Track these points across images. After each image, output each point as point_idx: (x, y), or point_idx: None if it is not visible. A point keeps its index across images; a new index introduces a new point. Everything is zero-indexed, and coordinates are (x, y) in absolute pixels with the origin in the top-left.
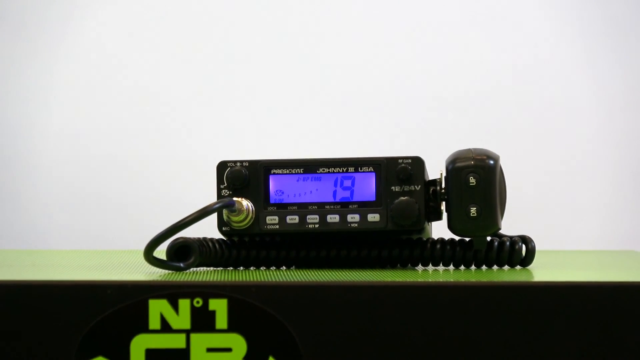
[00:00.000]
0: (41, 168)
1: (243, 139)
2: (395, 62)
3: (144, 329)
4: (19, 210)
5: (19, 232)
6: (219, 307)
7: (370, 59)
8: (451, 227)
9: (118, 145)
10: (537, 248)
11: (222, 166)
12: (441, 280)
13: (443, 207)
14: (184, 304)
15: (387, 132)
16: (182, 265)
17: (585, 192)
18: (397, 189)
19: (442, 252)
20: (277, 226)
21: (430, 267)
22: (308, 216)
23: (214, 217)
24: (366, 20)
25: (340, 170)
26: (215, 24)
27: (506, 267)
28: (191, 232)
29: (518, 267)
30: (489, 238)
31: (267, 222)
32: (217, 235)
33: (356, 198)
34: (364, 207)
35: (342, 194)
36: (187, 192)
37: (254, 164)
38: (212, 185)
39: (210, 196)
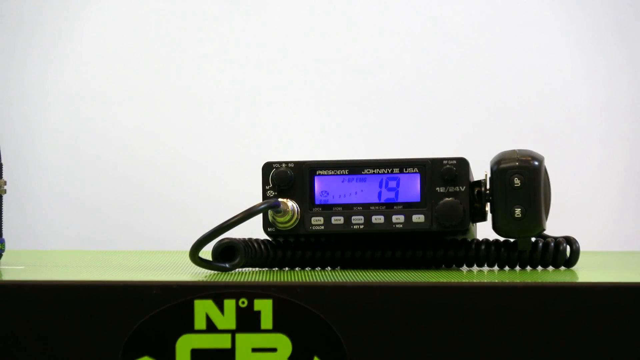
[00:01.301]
0: (41, 169)
1: (256, 141)
2: (432, 65)
3: (190, 329)
4: (17, 210)
5: (18, 232)
6: (264, 307)
7: (407, 62)
8: (496, 228)
9: (118, 146)
10: (598, 249)
11: (267, 167)
12: (486, 280)
13: (488, 208)
14: (230, 304)
15: (426, 133)
16: (227, 265)
17: (591, 194)
18: (441, 190)
19: (486, 253)
20: (322, 227)
21: (475, 268)
22: (353, 217)
23: (259, 217)
24: (404, 23)
25: (385, 172)
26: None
27: (550, 268)
28: (237, 232)
29: (562, 267)
30: (533, 239)
31: (312, 222)
32: (263, 236)
33: (401, 199)
34: (408, 208)
35: (387, 195)
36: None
37: (299, 165)
38: (207, 185)
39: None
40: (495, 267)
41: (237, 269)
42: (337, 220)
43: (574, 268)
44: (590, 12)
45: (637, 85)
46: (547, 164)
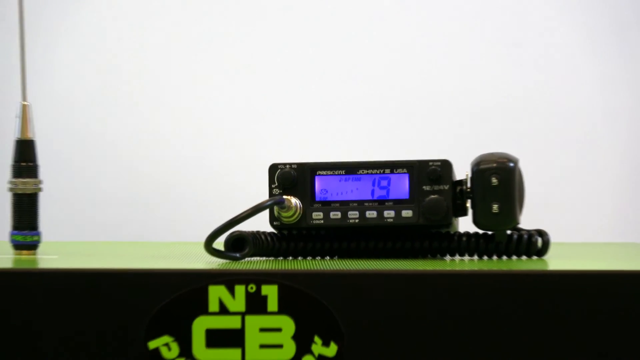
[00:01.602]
0: (65, 169)
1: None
2: (421, 76)
3: (205, 311)
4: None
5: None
6: (271, 292)
7: (398, 75)
8: (476, 222)
9: (139, 148)
10: (552, 241)
11: (273, 168)
12: (466, 269)
13: (468, 204)
14: (240, 289)
15: (415, 137)
16: (238, 255)
17: (592, 188)
18: (427, 188)
19: (467, 244)
20: (322, 221)
21: (457, 257)
22: (349, 212)
23: (265, 212)
24: (394, 36)
25: (378, 172)
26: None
27: (524, 257)
28: (246, 226)
29: (535, 257)
30: (509, 231)
31: (313, 217)
32: (269, 229)
33: (392, 196)
34: (398, 204)
35: (379, 193)
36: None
37: (301, 166)
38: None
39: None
40: (475, 257)
41: (246, 258)
42: (335, 215)
43: (544, 257)
44: (575, 15)
45: (637, 82)
46: (551, 162)
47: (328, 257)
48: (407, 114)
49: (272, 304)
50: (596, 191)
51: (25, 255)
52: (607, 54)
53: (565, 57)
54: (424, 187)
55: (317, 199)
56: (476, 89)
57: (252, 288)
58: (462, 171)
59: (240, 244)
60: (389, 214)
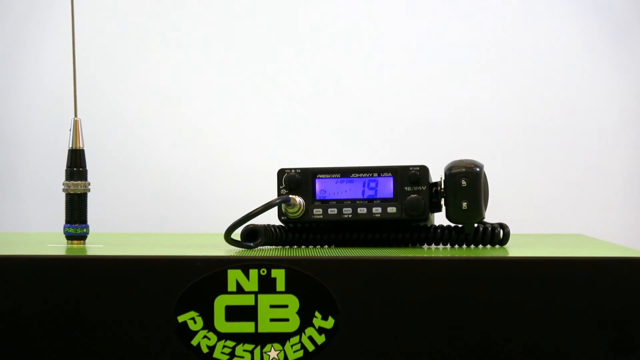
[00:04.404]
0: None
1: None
2: (404, 94)
3: (224, 291)
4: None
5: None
6: (279, 275)
7: (385, 92)
8: (448, 216)
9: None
10: (524, 232)
11: (281, 172)
12: (441, 255)
13: (442, 202)
14: (253, 272)
15: (399, 144)
16: (252, 244)
17: (598, 189)
18: (408, 189)
19: (441, 235)
20: (321, 216)
21: (433, 246)
22: (344, 209)
23: (274, 209)
24: (382, 50)
25: (368, 175)
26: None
27: (488, 246)
28: (258, 220)
29: (497, 246)
30: (475, 225)
31: (314, 213)
32: (278, 222)
33: (379, 195)
34: (385, 202)
35: (368, 193)
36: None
37: (304, 171)
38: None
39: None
40: (448, 246)
41: (258, 247)
42: (332, 211)
43: (506, 246)
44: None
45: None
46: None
47: (327, 246)
48: (393, 127)
49: (280, 285)
50: (606, 192)
51: (76, 244)
52: (613, 53)
53: (572, 58)
54: (406, 187)
55: (317, 197)
56: (433, 112)
57: (264, 271)
58: (437, 174)
59: (253, 235)
60: (377, 210)
